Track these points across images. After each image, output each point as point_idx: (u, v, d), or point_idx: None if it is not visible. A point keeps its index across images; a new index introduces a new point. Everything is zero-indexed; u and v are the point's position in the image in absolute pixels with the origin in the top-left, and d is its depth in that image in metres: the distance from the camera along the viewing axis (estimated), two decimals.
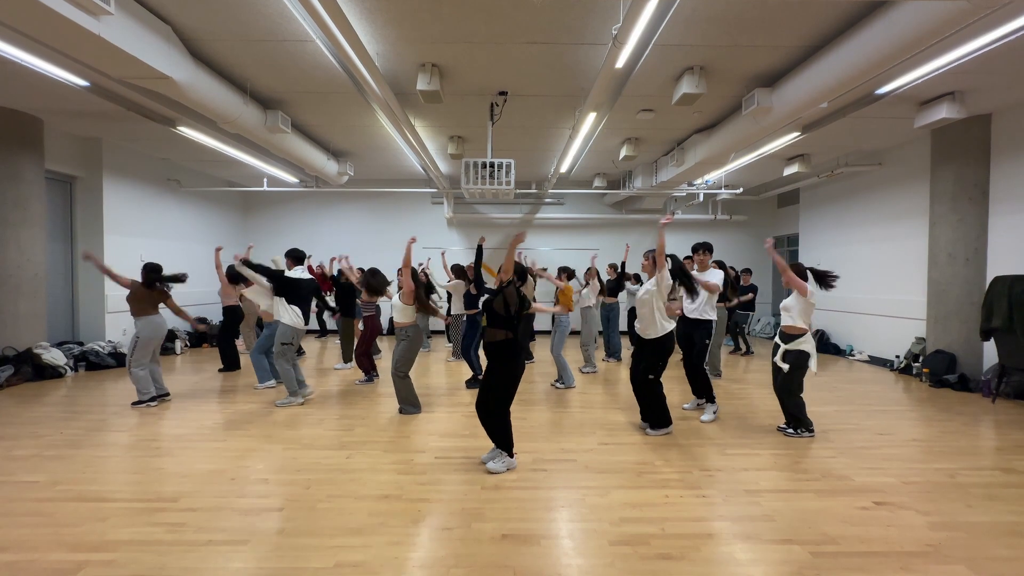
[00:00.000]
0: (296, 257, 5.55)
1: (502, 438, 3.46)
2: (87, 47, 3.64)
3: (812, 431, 4.22)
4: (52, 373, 6.25)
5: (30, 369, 6.11)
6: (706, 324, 4.74)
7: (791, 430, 4.23)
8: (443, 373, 6.90)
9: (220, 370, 6.80)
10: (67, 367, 6.44)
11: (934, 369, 6.27)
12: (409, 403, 4.81)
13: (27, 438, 4.04)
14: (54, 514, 2.79)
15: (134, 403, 4.98)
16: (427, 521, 2.75)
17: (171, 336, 8.42)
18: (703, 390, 4.80)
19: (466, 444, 3.98)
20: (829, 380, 6.58)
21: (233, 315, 6.79)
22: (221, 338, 6.84)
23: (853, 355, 8.38)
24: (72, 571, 2.27)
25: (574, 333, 8.11)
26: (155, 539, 2.54)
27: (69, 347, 6.86)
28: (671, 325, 4.21)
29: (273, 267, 5.43)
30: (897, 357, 7.36)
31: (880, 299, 7.95)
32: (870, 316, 8.14)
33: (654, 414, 4.26)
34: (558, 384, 5.92)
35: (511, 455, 3.48)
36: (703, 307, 4.77)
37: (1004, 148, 6.02)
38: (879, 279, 7.99)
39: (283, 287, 5.19)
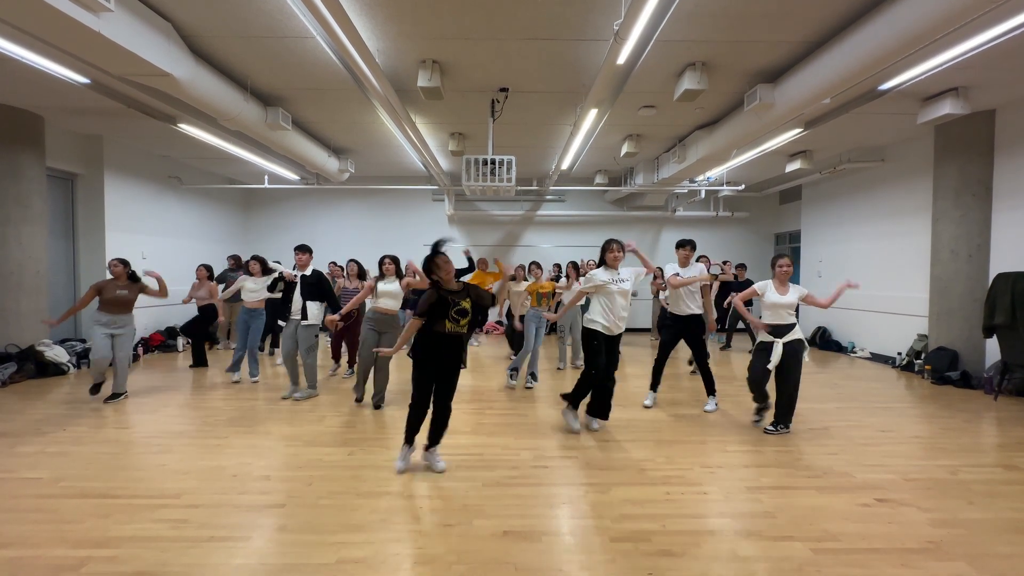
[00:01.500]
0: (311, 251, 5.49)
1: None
2: (87, 44, 3.63)
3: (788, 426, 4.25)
4: (55, 370, 6.26)
5: (33, 366, 6.13)
6: (697, 319, 4.83)
7: (772, 427, 4.20)
8: None
9: (191, 366, 6.88)
10: (69, 364, 6.46)
11: (936, 366, 6.26)
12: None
13: (30, 435, 4.06)
14: (57, 510, 2.81)
15: (112, 398, 5.06)
16: (428, 518, 2.76)
17: (172, 333, 8.47)
18: (708, 385, 4.92)
19: (467, 441, 3.98)
20: (831, 377, 6.57)
21: (208, 314, 6.96)
22: (198, 336, 6.99)
23: (855, 352, 8.37)
24: (75, 567, 2.28)
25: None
26: (157, 535, 2.55)
27: (71, 344, 6.87)
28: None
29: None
30: (899, 354, 7.35)
31: (882, 296, 7.93)
32: (872, 313, 8.12)
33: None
34: (512, 373, 5.89)
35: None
36: (686, 302, 4.85)
37: (1008, 144, 5.98)
38: (881, 276, 7.97)
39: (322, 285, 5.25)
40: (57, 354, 6.36)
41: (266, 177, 9.51)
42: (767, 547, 2.48)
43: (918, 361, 6.82)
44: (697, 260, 5.31)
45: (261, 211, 11.44)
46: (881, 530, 2.65)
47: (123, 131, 7.31)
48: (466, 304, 3.27)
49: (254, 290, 5.90)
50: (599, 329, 4.11)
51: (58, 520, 2.70)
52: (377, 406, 4.87)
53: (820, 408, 4.96)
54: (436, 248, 3.31)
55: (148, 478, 3.25)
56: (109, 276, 5.14)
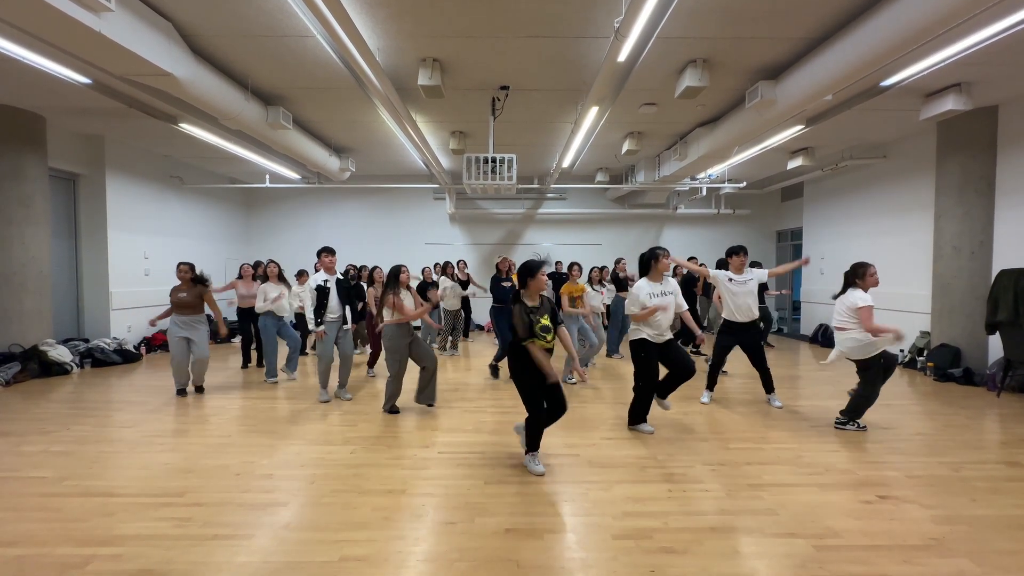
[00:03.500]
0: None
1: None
2: (88, 44, 3.64)
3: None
4: (58, 370, 6.29)
5: (36, 366, 6.15)
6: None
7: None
8: (442, 368, 6.91)
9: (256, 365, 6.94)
10: (73, 364, 6.48)
11: (939, 363, 6.25)
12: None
13: (34, 434, 4.08)
14: (62, 509, 2.82)
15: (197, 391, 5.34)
16: (431, 516, 2.77)
17: None
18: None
19: (469, 439, 3.99)
20: (833, 374, 6.56)
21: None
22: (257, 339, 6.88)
23: None
24: (80, 565, 2.29)
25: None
26: (161, 533, 2.56)
27: (75, 344, 6.90)
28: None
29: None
30: (901, 351, 7.33)
31: (884, 293, 7.87)
32: (874, 310, 8.09)
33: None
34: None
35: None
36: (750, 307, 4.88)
37: (1011, 140, 5.96)
38: (883, 273, 7.82)
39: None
40: (60, 354, 6.38)
41: (267, 176, 9.52)
42: (769, 544, 2.49)
43: (920, 358, 6.81)
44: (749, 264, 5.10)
45: (263, 210, 11.46)
46: (883, 527, 2.65)
47: (124, 131, 7.32)
48: (546, 320, 3.24)
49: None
50: (646, 338, 3.98)
51: (63, 518, 2.71)
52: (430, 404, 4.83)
53: (822, 405, 4.96)
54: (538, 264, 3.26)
55: (152, 476, 3.27)
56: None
